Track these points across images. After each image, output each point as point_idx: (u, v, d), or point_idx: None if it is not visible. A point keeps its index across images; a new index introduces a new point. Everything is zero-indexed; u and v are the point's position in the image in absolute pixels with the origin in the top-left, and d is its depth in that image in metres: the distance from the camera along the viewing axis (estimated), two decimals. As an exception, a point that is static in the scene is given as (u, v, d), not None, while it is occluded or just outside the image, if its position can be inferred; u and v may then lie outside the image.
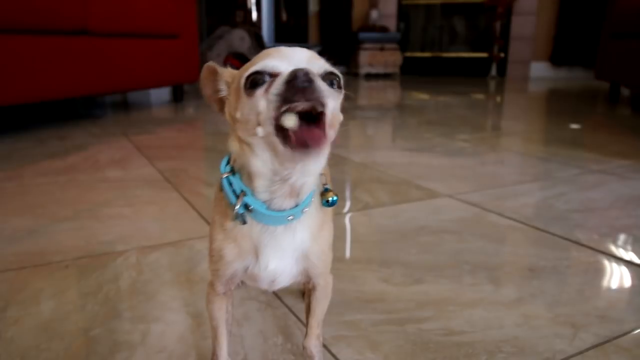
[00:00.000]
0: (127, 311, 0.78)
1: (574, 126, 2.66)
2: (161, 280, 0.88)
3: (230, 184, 0.51)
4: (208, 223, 1.14)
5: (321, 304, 0.60)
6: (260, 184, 0.49)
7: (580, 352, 0.68)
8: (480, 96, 4.26)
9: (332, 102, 0.44)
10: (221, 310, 0.58)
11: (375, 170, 1.67)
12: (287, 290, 0.83)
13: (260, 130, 0.44)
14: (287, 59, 0.46)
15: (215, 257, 0.54)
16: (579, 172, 1.63)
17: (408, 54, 6.23)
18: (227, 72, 0.52)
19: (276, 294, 0.83)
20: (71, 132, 2.27)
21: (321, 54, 0.49)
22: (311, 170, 0.49)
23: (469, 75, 6.08)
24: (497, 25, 5.72)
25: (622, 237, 1.10)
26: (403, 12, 6.31)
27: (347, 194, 1.41)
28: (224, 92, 0.52)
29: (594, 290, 0.86)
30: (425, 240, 1.07)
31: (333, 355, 0.67)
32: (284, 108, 0.42)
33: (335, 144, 0.51)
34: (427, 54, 6.43)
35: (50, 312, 0.77)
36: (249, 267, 0.53)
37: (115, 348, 0.68)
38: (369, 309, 0.79)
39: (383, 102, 3.86)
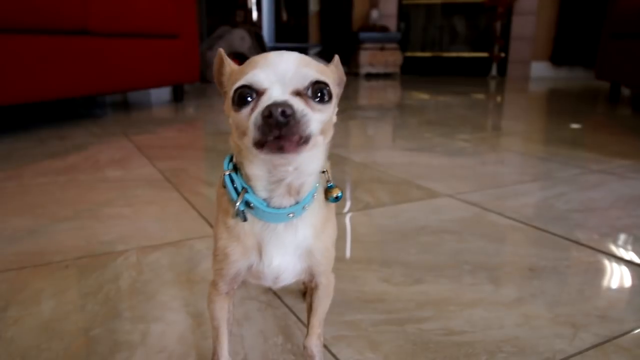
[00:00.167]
0: (127, 311, 0.78)
1: (575, 126, 2.66)
2: (161, 280, 0.88)
3: (232, 181, 0.51)
4: (208, 223, 1.14)
5: (323, 303, 0.60)
6: (258, 183, 0.50)
7: (580, 352, 0.68)
8: (480, 96, 4.26)
9: (316, 120, 0.44)
10: (223, 310, 0.58)
11: (375, 170, 1.67)
12: (288, 290, 0.83)
13: (247, 142, 0.45)
14: (274, 71, 0.45)
15: (219, 256, 0.54)
16: (579, 172, 1.63)
17: (408, 54, 6.23)
18: (227, 68, 0.52)
19: (276, 294, 0.83)
20: (71, 132, 2.27)
21: (321, 54, 0.49)
22: (306, 171, 0.49)
23: (470, 75, 6.08)
24: (498, 25, 5.72)
25: (622, 237, 1.10)
26: (403, 12, 6.31)
27: (348, 194, 1.41)
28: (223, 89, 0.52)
29: (594, 290, 0.86)
30: (426, 240, 1.07)
31: (333, 355, 0.67)
32: (262, 139, 0.43)
33: (332, 143, 0.51)
34: (427, 54, 6.43)
35: (50, 312, 0.77)
36: (253, 265, 0.53)
37: (116, 348, 0.68)
38: (369, 309, 0.79)
39: (383, 102, 3.86)
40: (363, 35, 5.68)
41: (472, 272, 0.93)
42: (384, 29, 5.85)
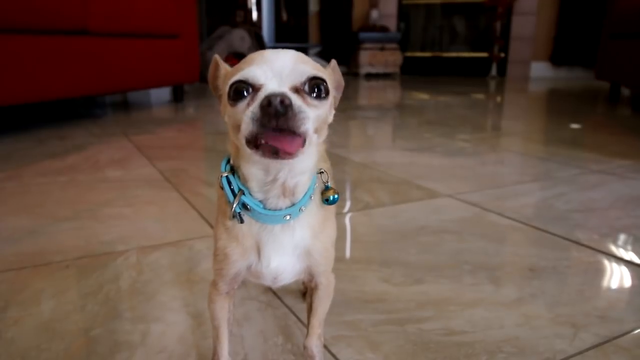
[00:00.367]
0: (127, 311, 0.78)
1: (574, 126, 2.66)
2: (161, 280, 0.88)
3: (229, 183, 0.51)
4: (208, 223, 1.14)
5: (323, 303, 0.60)
6: (254, 184, 0.50)
7: (581, 352, 0.68)
8: (480, 96, 4.26)
9: (313, 114, 0.45)
10: (223, 310, 0.58)
11: (375, 170, 1.67)
12: (288, 290, 0.83)
13: (241, 137, 0.45)
14: (270, 67, 0.45)
15: (219, 257, 0.54)
16: (579, 172, 1.63)
17: (408, 54, 6.23)
18: (222, 71, 0.52)
19: (276, 294, 0.83)
20: (71, 132, 2.27)
21: (321, 54, 0.49)
22: (298, 169, 0.49)
23: (469, 75, 6.08)
24: (497, 25, 5.72)
25: (622, 237, 1.10)
26: (403, 12, 6.31)
27: (348, 194, 1.41)
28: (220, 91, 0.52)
29: (594, 290, 0.86)
30: (426, 240, 1.07)
31: (333, 355, 0.67)
32: (259, 132, 0.43)
33: (332, 143, 0.51)
34: (427, 54, 6.43)
35: (50, 312, 0.77)
36: (252, 265, 0.53)
37: (116, 348, 0.68)
38: (369, 309, 0.79)
39: (383, 102, 3.86)
40: (363, 35, 5.68)
41: (472, 272, 0.93)
42: (383, 29, 5.86)
